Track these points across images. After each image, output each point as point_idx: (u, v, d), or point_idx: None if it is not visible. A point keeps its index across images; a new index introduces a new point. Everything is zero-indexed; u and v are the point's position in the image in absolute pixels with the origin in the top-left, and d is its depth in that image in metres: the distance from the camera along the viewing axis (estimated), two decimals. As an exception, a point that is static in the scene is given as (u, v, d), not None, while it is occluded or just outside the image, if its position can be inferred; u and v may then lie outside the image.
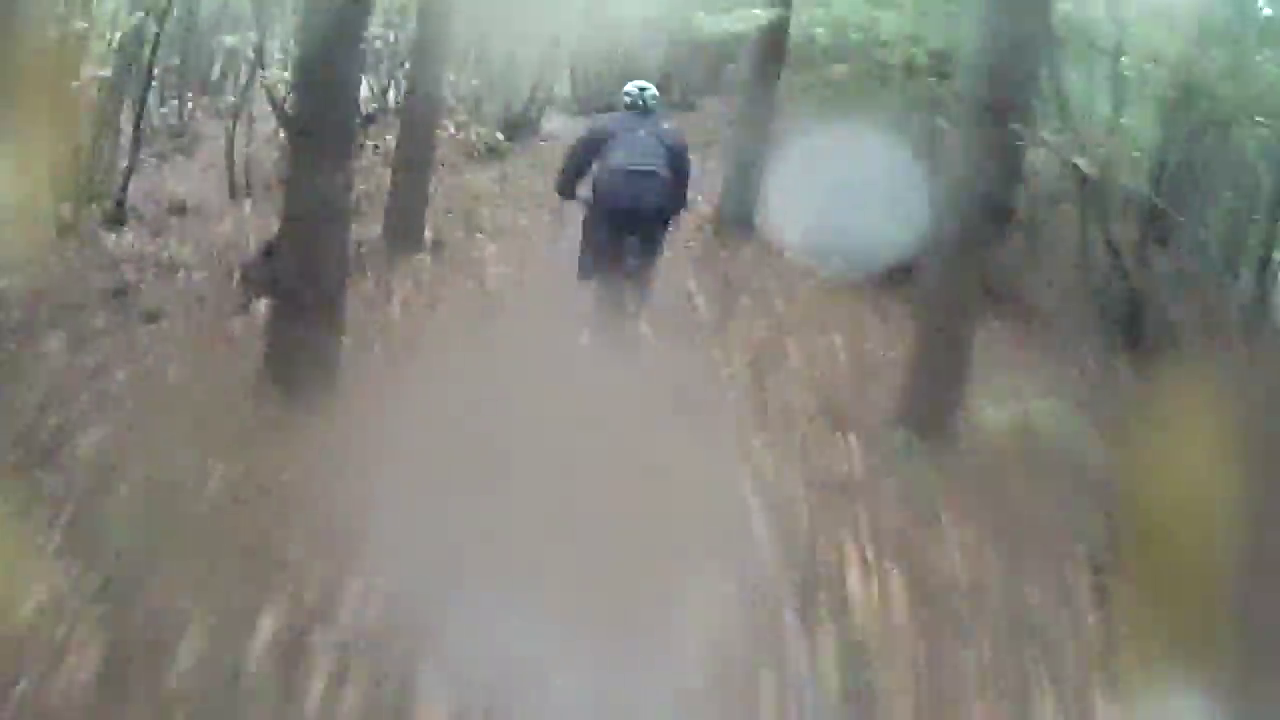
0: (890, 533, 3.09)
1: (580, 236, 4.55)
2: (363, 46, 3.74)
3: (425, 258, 5.54)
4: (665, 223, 4.49)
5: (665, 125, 4.47)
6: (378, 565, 2.55)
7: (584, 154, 4.44)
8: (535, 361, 4.07)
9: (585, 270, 4.49)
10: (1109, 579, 3.00)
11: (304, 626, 2.34)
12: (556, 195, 4.64)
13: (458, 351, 4.36)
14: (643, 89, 4.48)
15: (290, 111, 4.25)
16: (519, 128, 9.36)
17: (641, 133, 4.31)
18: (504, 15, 7.96)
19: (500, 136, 8.74)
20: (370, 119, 7.46)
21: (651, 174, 4.25)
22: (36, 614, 2.24)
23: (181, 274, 4.82)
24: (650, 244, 4.45)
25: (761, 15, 6.24)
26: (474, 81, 9.14)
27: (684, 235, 5.80)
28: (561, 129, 9.17)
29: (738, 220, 6.75)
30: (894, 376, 4.13)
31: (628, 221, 4.31)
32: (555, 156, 5.37)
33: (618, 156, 4.26)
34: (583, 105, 10.60)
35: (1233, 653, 2.45)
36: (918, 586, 2.83)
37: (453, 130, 7.99)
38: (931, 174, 4.74)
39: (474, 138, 8.40)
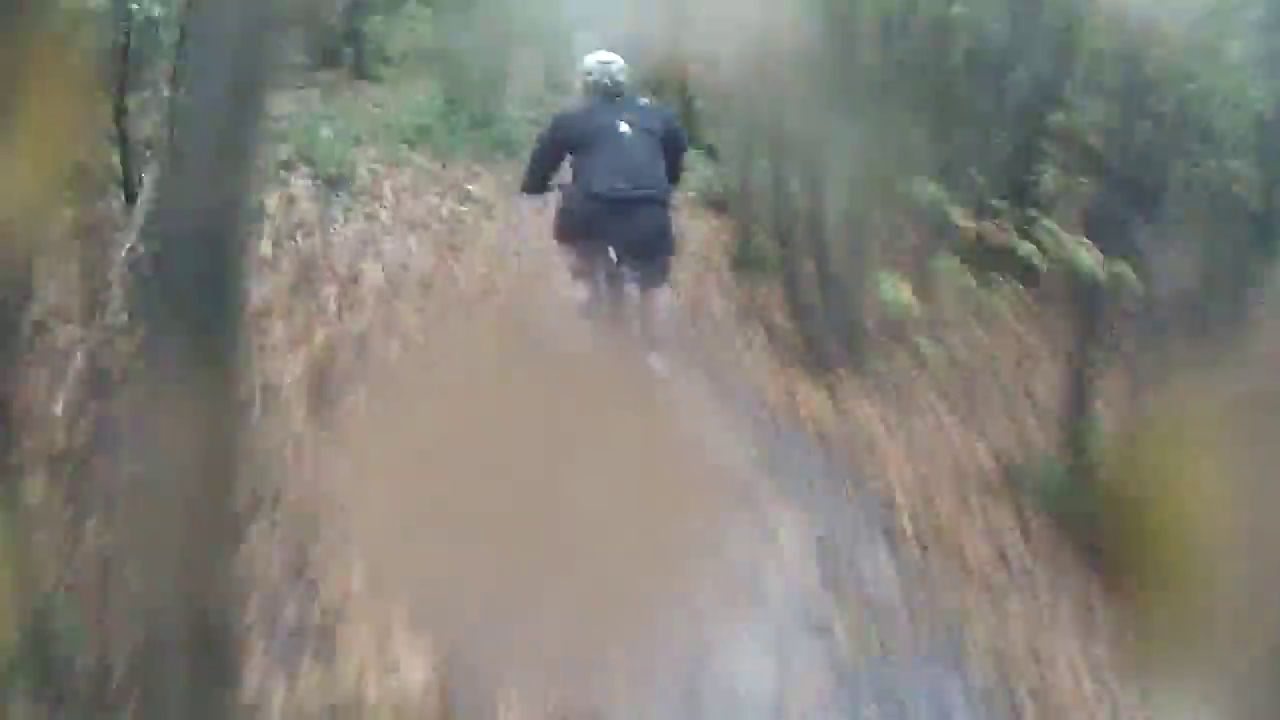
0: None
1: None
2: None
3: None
4: (668, 251, 3.42)
5: (642, 102, 3.60)
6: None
7: (545, 164, 3.46)
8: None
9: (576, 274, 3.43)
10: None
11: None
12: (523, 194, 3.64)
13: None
14: (606, 64, 3.39)
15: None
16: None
17: (623, 127, 3.25)
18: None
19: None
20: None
21: (646, 200, 3.22)
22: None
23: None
24: (650, 270, 3.37)
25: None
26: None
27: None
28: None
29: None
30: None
31: (616, 253, 3.25)
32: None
33: (597, 173, 3.21)
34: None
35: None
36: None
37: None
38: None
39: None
